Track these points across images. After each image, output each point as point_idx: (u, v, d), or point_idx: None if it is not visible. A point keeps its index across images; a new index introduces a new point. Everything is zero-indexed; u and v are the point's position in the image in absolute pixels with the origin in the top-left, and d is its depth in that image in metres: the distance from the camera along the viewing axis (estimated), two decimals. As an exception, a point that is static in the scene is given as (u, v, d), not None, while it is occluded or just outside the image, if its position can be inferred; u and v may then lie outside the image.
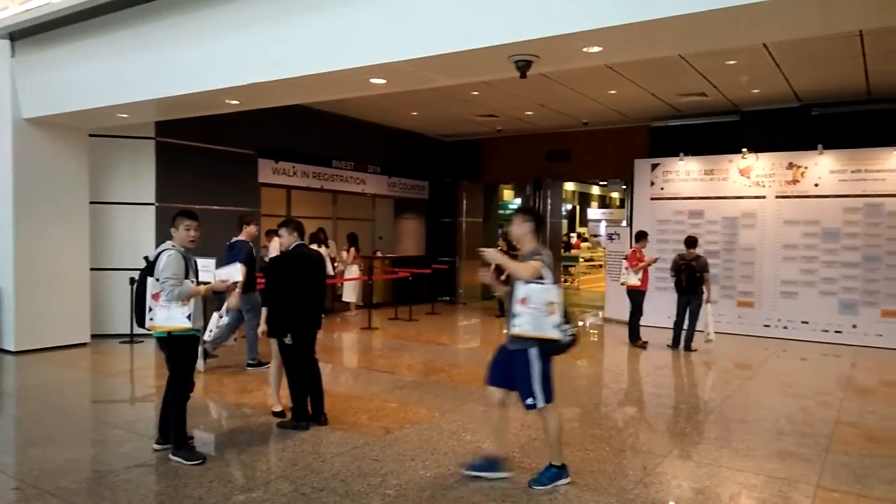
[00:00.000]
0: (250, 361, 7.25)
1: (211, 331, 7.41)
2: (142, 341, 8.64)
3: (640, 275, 8.90)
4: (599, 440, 4.99)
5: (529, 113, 11.50)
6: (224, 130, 9.75)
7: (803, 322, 9.79)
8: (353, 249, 11.62)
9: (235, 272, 5.01)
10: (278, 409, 5.42)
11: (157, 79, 6.41)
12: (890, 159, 9.28)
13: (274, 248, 7.89)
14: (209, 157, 9.84)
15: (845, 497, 3.97)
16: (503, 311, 11.97)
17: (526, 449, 4.73)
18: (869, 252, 9.42)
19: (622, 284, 9.22)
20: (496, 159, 14.09)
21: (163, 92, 6.46)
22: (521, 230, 4.11)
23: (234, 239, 7.09)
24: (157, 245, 4.68)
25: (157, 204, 9.19)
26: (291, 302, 5.09)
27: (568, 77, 8.89)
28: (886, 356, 8.69)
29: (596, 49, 4.66)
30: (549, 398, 4.00)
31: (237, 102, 6.91)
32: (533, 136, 13.37)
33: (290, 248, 5.20)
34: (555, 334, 3.86)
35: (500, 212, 20.49)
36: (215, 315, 7.55)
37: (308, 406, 5.16)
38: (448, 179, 14.48)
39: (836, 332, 9.55)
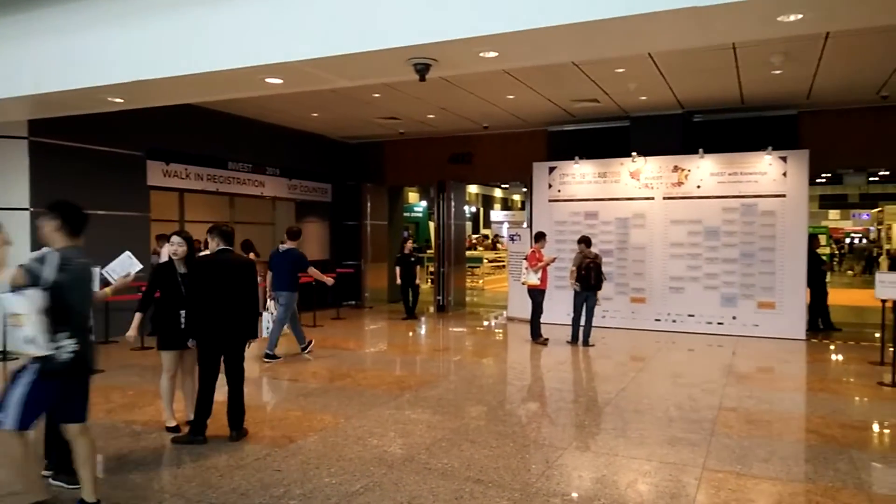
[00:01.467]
0: (268, 352, 8.02)
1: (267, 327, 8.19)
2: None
3: (539, 274, 9.17)
4: (503, 437, 5.08)
5: (431, 116, 11.59)
6: (108, 130, 9.15)
7: (690, 315, 10.45)
8: (251, 255, 11.25)
9: (131, 263, 4.61)
10: (172, 423, 5.14)
11: (27, 74, 5.89)
12: (761, 162, 10.09)
13: (164, 254, 7.57)
14: (92, 158, 9.19)
15: (728, 476, 4.27)
16: (409, 313, 12.05)
17: (432, 450, 4.74)
18: (745, 249, 10.19)
19: (523, 284, 9.46)
20: (400, 162, 14.09)
21: (34, 88, 5.93)
22: (47, 229, 3.56)
23: (285, 247, 8.26)
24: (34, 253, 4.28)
25: (31, 209, 8.47)
26: (200, 310, 4.88)
27: (467, 81, 9.03)
28: (762, 344, 9.43)
29: (492, 54, 4.76)
30: (20, 424, 3.34)
31: (121, 101, 6.49)
32: (435, 139, 13.49)
33: (215, 252, 5.05)
34: (31, 350, 3.27)
35: (405, 214, 20.58)
36: (266, 315, 8.37)
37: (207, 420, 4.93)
38: (351, 182, 14.32)
39: (719, 323, 10.27)
